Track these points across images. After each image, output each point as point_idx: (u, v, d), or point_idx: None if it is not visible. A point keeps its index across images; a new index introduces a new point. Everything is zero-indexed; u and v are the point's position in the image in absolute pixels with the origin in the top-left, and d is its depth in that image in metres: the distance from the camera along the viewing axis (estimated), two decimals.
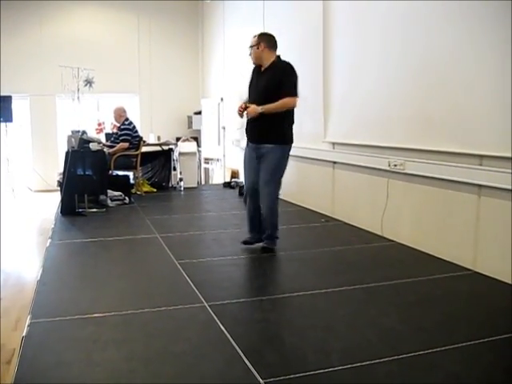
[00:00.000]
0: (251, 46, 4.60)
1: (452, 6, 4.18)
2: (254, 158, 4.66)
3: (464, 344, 2.78)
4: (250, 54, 4.64)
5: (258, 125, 4.54)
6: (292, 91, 4.46)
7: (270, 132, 4.51)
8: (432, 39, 4.45)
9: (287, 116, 4.55)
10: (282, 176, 4.64)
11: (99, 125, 10.49)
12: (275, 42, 4.63)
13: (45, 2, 10.70)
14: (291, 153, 7.27)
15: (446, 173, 4.31)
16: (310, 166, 6.76)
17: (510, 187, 3.68)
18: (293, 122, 4.62)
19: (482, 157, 3.97)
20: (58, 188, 7.11)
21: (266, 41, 4.57)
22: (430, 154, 4.51)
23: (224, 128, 9.49)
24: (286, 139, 4.61)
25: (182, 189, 8.69)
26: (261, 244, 4.75)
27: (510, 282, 3.71)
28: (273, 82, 4.48)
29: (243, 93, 9.08)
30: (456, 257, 4.25)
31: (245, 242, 4.83)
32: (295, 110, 4.59)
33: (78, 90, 9.90)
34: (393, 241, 5.01)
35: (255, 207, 4.67)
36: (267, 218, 4.60)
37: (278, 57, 4.60)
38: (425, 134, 4.60)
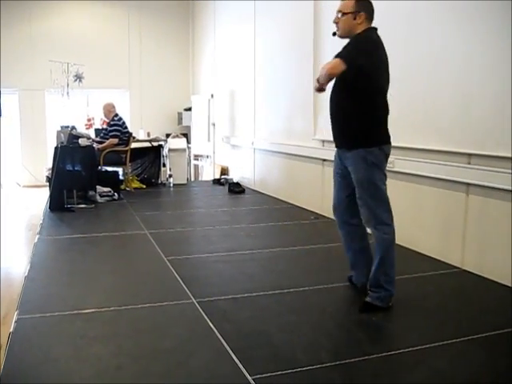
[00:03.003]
0: (345, 13, 3.28)
1: (434, 6, 4.21)
2: None
3: (451, 341, 2.79)
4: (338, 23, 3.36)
5: None
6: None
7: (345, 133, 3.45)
8: (421, 39, 4.47)
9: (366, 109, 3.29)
10: (377, 194, 3.35)
11: (89, 120, 10.41)
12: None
13: None
14: (282, 150, 7.27)
15: (434, 171, 4.33)
16: (300, 164, 6.76)
17: (498, 186, 3.70)
18: (381, 116, 3.38)
19: (470, 155, 3.99)
20: (47, 183, 7.07)
21: (369, 11, 3.32)
22: (419, 153, 4.53)
23: (214, 124, 9.48)
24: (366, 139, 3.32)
25: (172, 185, 8.67)
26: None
27: (497, 280, 3.74)
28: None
29: (234, 91, 9.16)
30: (444, 254, 4.27)
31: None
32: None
33: (68, 85, 9.86)
34: None
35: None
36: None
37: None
38: (414, 133, 4.62)
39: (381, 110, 3.34)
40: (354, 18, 3.27)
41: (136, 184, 8.49)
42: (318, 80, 3.16)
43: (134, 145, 8.30)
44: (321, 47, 6.07)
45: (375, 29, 3.33)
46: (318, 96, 6.14)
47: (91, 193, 7.00)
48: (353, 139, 3.30)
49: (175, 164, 8.87)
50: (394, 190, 4.90)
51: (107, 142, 7.75)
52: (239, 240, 5.09)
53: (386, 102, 3.37)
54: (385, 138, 3.37)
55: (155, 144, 8.98)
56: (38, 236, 5.18)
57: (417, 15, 4.52)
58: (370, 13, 3.32)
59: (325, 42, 6.02)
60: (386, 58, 3.34)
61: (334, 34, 3.44)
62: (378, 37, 3.32)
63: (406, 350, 2.69)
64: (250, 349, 2.71)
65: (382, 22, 5.04)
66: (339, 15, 3.34)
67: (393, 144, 4.80)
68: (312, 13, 6.18)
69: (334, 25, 3.39)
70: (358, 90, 3.22)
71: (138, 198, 7.58)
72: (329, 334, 2.97)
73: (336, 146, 3.49)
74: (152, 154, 8.99)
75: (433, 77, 4.36)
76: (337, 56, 3.10)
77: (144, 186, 8.55)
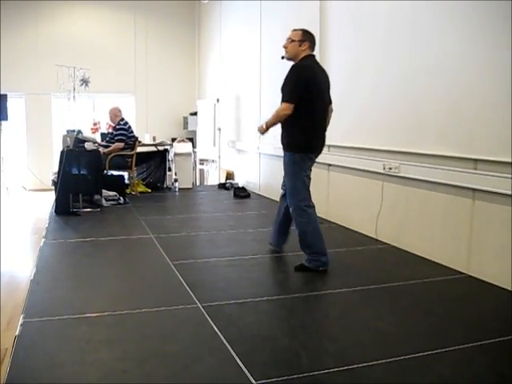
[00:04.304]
0: (294, 41, 4.14)
1: (451, 11, 4.21)
2: None
3: (456, 347, 2.79)
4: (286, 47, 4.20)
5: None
6: (284, 96, 4.04)
7: (283, 138, 4.23)
8: (428, 44, 4.47)
9: (298, 121, 4.04)
10: (295, 186, 4.18)
11: (95, 124, 10.45)
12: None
13: (41, 1, 10.68)
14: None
15: (440, 176, 4.32)
16: None
17: (504, 191, 3.69)
18: (308, 129, 4.09)
19: (476, 161, 3.98)
20: (53, 187, 7.09)
21: (311, 42, 4.21)
22: (425, 158, 4.53)
23: (219, 129, 9.49)
24: (293, 146, 4.13)
25: (177, 189, 8.68)
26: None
27: (503, 286, 3.73)
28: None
29: (240, 95, 9.17)
30: (450, 260, 4.26)
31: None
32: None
33: (74, 89, 9.90)
34: (387, 244, 5.01)
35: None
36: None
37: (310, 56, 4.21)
38: (420, 138, 4.62)
39: (312, 124, 4.10)
40: (300, 45, 4.12)
41: (141, 188, 8.51)
42: (266, 124, 4.17)
43: (139, 149, 8.31)
44: (327, 49, 6.08)
45: (313, 55, 4.21)
46: None
47: (97, 197, 7.02)
48: (286, 145, 4.18)
49: (181, 168, 8.89)
50: (400, 195, 4.91)
51: (113, 146, 7.77)
52: (244, 244, 5.09)
53: (322, 116, 4.18)
54: (309, 149, 4.14)
55: (161, 148, 9.00)
56: (43, 240, 5.20)
57: (420, 18, 4.52)
58: (312, 43, 4.19)
59: (331, 44, 6.03)
60: (324, 80, 4.20)
61: (283, 57, 4.25)
62: (315, 62, 4.21)
63: (411, 355, 2.68)
64: (255, 353, 2.71)
65: (385, 24, 5.08)
66: (289, 41, 4.16)
67: (397, 149, 4.87)
68: (318, 13, 6.19)
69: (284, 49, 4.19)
70: (296, 109, 3.98)
71: (143, 202, 7.59)
72: (333, 338, 2.96)
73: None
74: (158, 159, 9.02)
75: (437, 81, 4.36)
76: (282, 99, 4.00)
77: (149, 191, 8.57)
